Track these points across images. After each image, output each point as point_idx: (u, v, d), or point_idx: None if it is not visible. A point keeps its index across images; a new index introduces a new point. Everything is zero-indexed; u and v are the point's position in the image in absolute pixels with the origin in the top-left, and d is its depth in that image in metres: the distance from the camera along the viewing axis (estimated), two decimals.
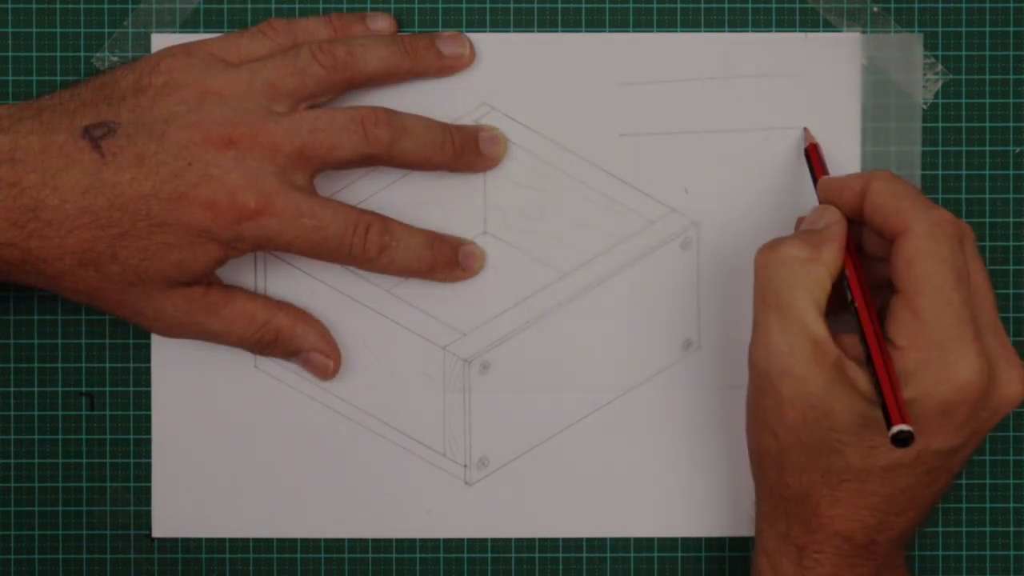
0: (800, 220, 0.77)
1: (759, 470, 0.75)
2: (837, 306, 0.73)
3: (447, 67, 0.80)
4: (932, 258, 0.70)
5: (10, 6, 0.81)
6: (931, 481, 0.72)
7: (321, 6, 0.81)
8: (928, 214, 0.71)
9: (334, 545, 0.82)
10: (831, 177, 0.76)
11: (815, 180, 0.78)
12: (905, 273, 0.70)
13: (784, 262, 0.72)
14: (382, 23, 0.80)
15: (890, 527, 0.72)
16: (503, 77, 0.81)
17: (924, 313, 0.69)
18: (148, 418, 0.81)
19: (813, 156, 0.79)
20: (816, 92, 0.81)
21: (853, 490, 0.71)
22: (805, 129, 0.80)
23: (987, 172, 0.82)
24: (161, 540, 0.82)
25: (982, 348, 0.70)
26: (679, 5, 0.81)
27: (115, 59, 0.81)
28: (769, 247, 0.73)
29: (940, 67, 0.82)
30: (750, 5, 0.81)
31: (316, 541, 0.82)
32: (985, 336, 0.71)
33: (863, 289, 0.72)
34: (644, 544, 0.82)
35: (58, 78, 0.81)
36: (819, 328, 0.71)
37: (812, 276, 0.71)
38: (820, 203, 0.76)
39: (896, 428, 0.66)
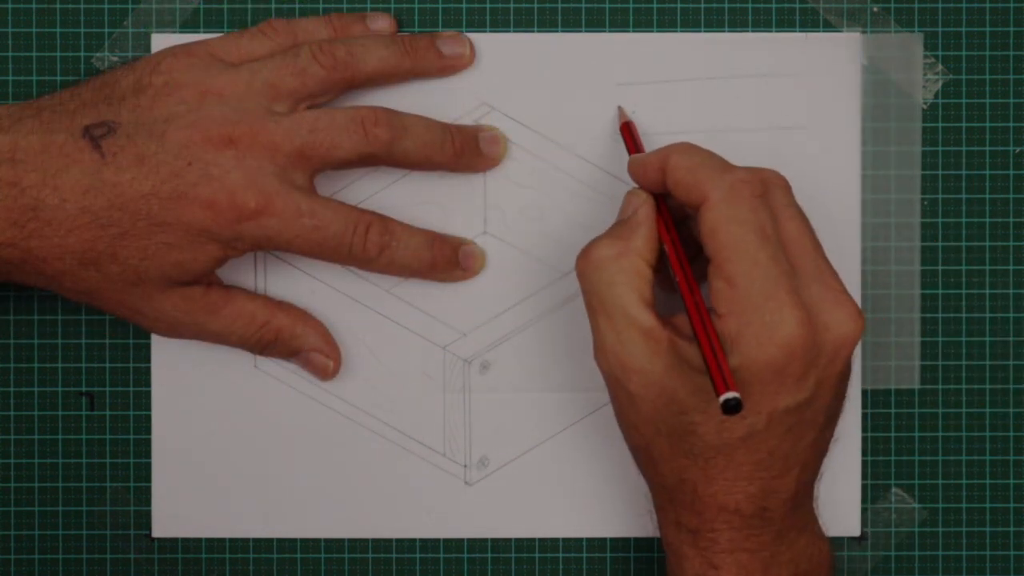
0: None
1: (640, 467, 0.75)
2: (669, 286, 0.74)
3: (447, 67, 0.80)
4: (732, 222, 0.70)
5: (10, 6, 0.81)
6: (797, 438, 0.72)
7: (321, 6, 0.81)
8: (723, 178, 0.71)
9: (334, 545, 0.82)
10: (635, 156, 0.76)
11: (629, 149, 0.78)
12: (711, 242, 0.70)
13: (598, 264, 0.72)
14: (382, 23, 0.80)
15: (775, 491, 0.72)
16: (503, 77, 0.81)
17: (735, 278, 0.69)
18: (148, 418, 0.81)
19: (626, 135, 0.79)
20: (816, 92, 0.81)
21: (721, 465, 0.71)
22: (619, 107, 0.81)
23: (987, 172, 0.82)
24: (161, 540, 0.82)
25: (799, 299, 0.69)
26: (679, 5, 0.81)
27: (115, 59, 0.81)
28: (583, 253, 0.73)
29: (940, 67, 0.82)
30: (750, 5, 0.81)
31: (316, 541, 0.82)
32: (808, 284, 0.70)
33: (682, 263, 0.72)
34: (644, 544, 0.82)
35: (58, 78, 0.81)
36: (646, 318, 0.71)
37: (627, 269, 0.72)
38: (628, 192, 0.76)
39: (723, 397, 0.66)
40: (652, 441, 0.73)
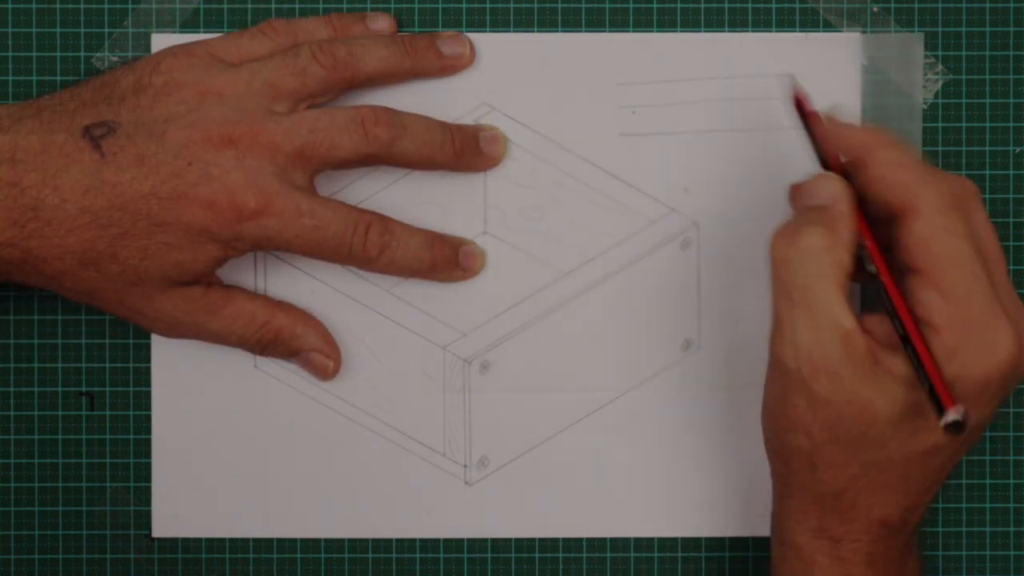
0: (794, 189, 0.73)
1: (786, 468, 0.72)
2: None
3: (447, 67, 0.80)
4: (950, 235, 0.68)
5: (10, 6, 0.81)
6: (958, 456, 0.72)
7: (321, 6, 0.81)
8: (937, 188, 0.69)
9: (334, 545, 0.82)
10: (838, 125, 0.72)
11: (810, 133, 0.74)
12: (924, 253, 0.68)
13: (808, 253, 0.69)
14: (382, 23, 0.80)
15: (920, 505, 0.72)
16: (503, 77, 0.81)
17: (953, 292, 0.68)
18: (148, 418, 0.81)
19: (803, 107, 0.74)
20: (816, 92, 0.80)
21: (892, 478, 0.70)
22: (790, 76, 0.76)
23: (987, 172, 0.82)
24: (161, 540, 0.82)
25: (1009, 317, 0.68)
26: (679, 5, 0.81)
27: (115, 59, 0.81)
28: (786, 238, 0.69)
29: (940, 67, 0.82)
30: (750, 5, 0.81)
31: (316, 541, 0.82)
32: (1004, 301, 0.69)
33: (888, 269, 0.70)
34: (644, 544, 0.82)
35: (58, 78, 0.81)
36: (848, 320, 0.68)
37: (836, 263, 0.69)
38: (820, 160, 0.73)
39: (950, 415, 0.65)
40: (822, 447, 0.70)
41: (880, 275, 0.70)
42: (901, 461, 0.70)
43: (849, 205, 0.70)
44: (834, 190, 0.70)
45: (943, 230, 0.68)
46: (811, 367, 0.69)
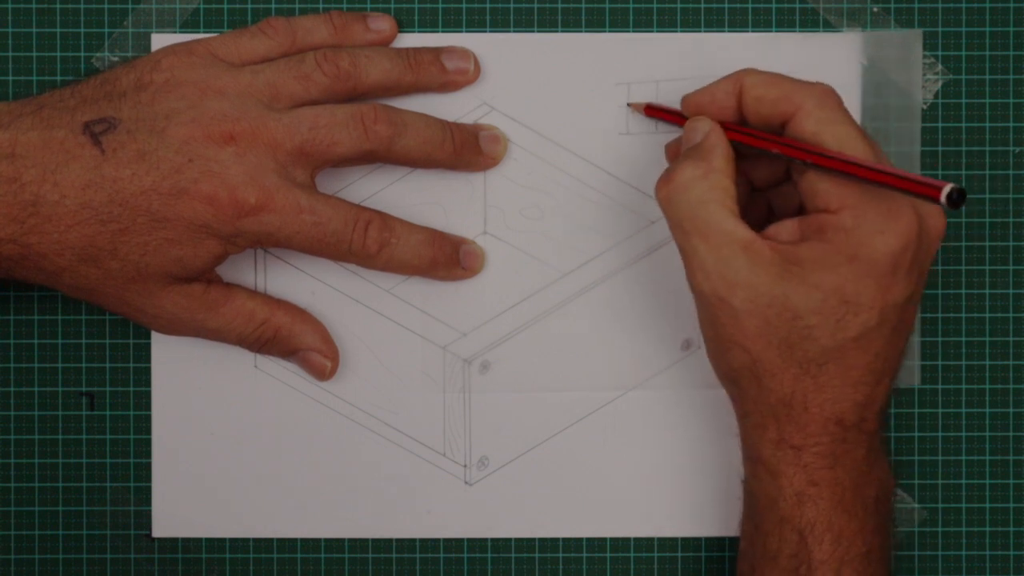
0: (669, 147, 0.79)
1: (736, 388, 0.75)
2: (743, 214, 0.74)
3: (451, 83, 0.80)
4: (837, 123, 0.72)
5: (10, 6, 0.81)
6: (897, 339, 0.73)
7: (321, 6, 0.81)
8: (811, 90, 0.73)
9: (334, 545, 0.82)
10: (697, 91, 0.76)
11: (672, 120, 0.79)
12: (816, 143, 0.72)
13: (684, 185, 0.72)
14: (382, 23, 0.80)
15: (874, 399, 0.73)
16: (503, 77, 0.81)
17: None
18: (148, 418, 0.81)
19: (657, 112, 0.80)
20: None
21: (833, 371, 0.72)
22: (628, 105, 0.81)
23: (987, 172, 0.82)
24: (161, 540, 0.82)
25: None
26: (679, 5, 0.81)
27: (115, 59, 0.81)
28: (664, 179, 0.73)
29: (940, 67, 0.82)
30: (750, 5, 0.81)
31: (316, 541, 0.82)
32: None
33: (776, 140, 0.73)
34: (644, 544, 0.82)
35: (58, 78, 0.81)
36: (743, 231, 0.71)
37: (716, 187, 0.72)
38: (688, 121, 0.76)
39: (946, 189, 0.66)
40: (761, 356, 0.72)
41: (773, 147, 0.73)
42: (836, 352, 0.72)
43: (718, 136, 0.74)
44: (701, 127, 0.75)
45: (829, 120, 0.72)
46: (725, 283, 0.71)
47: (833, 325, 0.71)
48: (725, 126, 0.75)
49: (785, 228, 0.73)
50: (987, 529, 0.82)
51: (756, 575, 0.75)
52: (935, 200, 0.66)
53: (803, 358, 0.72)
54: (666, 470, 0.82)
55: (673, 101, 0.81)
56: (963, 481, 0.82)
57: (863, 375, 0.72)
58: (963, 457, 0.82)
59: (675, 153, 0.79)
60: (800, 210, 0.75)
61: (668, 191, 0.73)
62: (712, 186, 0.72)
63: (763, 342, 0.72)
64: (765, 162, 0.77)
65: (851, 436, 0.73)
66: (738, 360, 0.73)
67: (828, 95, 0.73)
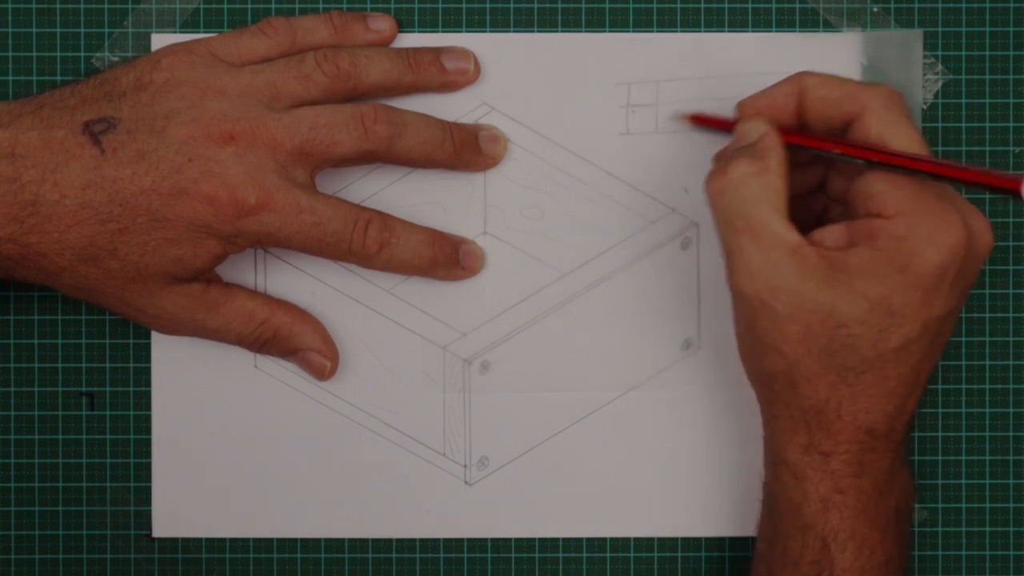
0: (718, 156, 0.77)
1: (768, 391, 0.74)
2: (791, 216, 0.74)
3: (451, 83, 0.80)
4: (902, 125, 0.72)
5: (10, 6, 0.81)
6: (933, 352, 0.73)
7: (321, 6, 0.81)
8: (876, 91, 0.72)
9: (334, 545, 0.82)
10: (756, 94, 0.76)
11: (721, 126, 0.78)
12: (878, 146, 0.71)
13: (739, 182, 0.71)
14: (382, 23, 0.80)
15: (904, 411, 0.73)
16: (503, 77, 0.81)
17: (905, 180, 0.70)
18: (148, 418, 0.81)
19: (705, 121, 0.79)
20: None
21: (870, 380, 0.71)
22: (680, 115, 0.81)
23: None
24: (161, 540, 0.82)
25: (955, 202, 0.71)
26: (679, 5, 0.81)
27: (115, 59, 0.81)
28: (717, 174, 0.72)
29: (940, 67, 0.82)
30: (750, 5, 0.81)
31: (316, 541, 0.82)
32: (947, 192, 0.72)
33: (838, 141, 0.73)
34: (644, 544, 0.82)
35: (58, 78, 0.81)
36: (792, 235, 0.71)
37: (769, 187, 0.71)
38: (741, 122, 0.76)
39: None
40: (799, 361, 0.72)
41: (838, 144, 0.72)
42: (875, 362, 0.71)
43: (774, 137, 0.73)
44: (759, 126, 0.74)
45: (895, 123, 0.72)
46: (769, 287, 0.71)
47: (875, 335, 0.71)
48: (780, 129, 0.74)
49: (832, 233, 0.72)
50: (987, 529, 0.82)
51: None
52: (1014, 193, 0.67)
53: (841, 366, 0.71)
54: (666, 470, 0.82)
55: (674, 101, 0.81)
56: (963, 481, 0.82)
57: (897, 386, 0.72)
58: (963, 457, 0.82)
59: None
60: (821, 220, 0.75)
61: (720, 186, 0.72)
62: (766, 186, 0.71)
63: (803, 348, 0.71)
64: (800, 170, 0.77)
65: (879, 445, 0.73)
66: (774, 364, 0.72)
67: (894, 97, 0.72)
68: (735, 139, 0.75)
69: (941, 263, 0.70)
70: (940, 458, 0.82)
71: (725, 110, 0.81)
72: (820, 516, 0.73)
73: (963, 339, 0.82)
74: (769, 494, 0.76)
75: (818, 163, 0.77)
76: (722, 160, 0.74)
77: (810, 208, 0.78)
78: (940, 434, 0.82)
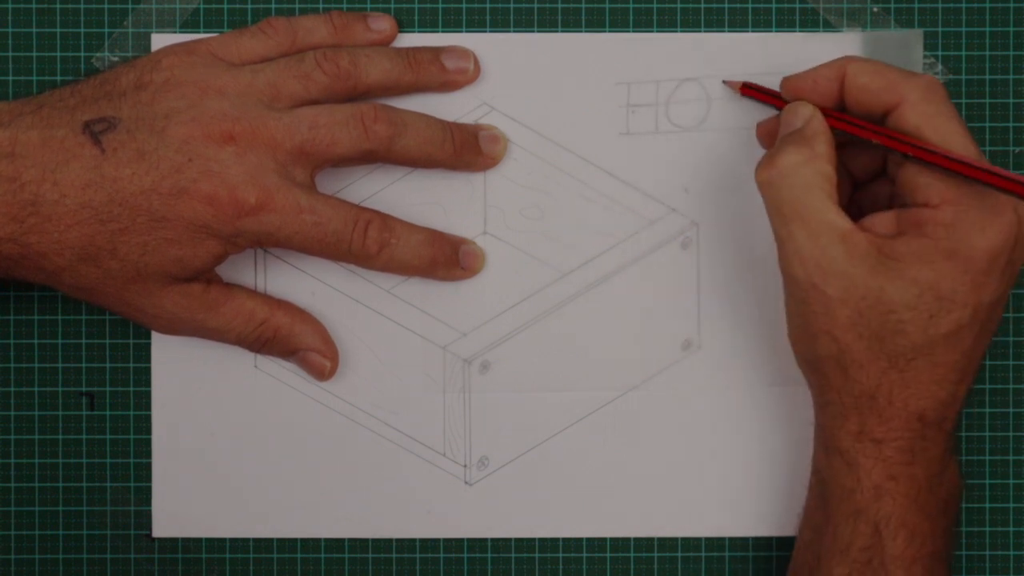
0: (761, 126, 0.79)
1: (820, 377, 0.74)
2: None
3: (450, 82, 0.80)
4: (942, 117, 0.72)
5: (10, 6, 0.81)
6: (983, 339, 0.73)
7: (321, 6, 0.81)
8: (917, 82, 0.73)
9: (334, 545, 0.82)
10: (798, 74, 0.76)
11: (769, 100, 0.78)
12: (920, 137, 0.72)
13: (788, 170, 0.72)
14: (382, 23, 0.80)
15: (955, 399, 0.73)
16: (503, 77, 0.81)
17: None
18: (148, 418, 0.81)
19: (754, 93, 0.79)
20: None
21: (920, 366, 0.72)
22: (724, 82, 0.81)
23: None
24: (161, 540, 0.82)
25: None
26: (679, 5, 0.81)
27: (115, 59, 0.81)
28: (766, 163, 0.73)
29: (940, 67, 0.82)
30: (750, 5, 0.81)
31: (316, 541, 0.82)
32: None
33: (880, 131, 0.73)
34: (643, 544, 0.82)
35: (58, 78, 0.81)
36: (843, 221, 0.71)
37: (817, 173, 0.72)
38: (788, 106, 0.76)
39: None
40: (850, 346, 0.72)
41: (877, 134, 0.73)
42: (926, 347, 0.72)
43: (820, 122, 0.74)
44: (803, 112, 0.74)
45: (935, 114, 0.72)
46: (820, 272, 0.71)
47: (925, 321, 0.71)
48: (824, 112, 0.74)
49: (882, 220, 0.73)
50: (987, 529, 0.82)
51: (822, 566, 0.75)
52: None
53: (892, 351, 0.72)
54: (666, 470, 0.82)
55: (674, 100, 0.81)
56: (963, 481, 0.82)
57: (948, 372, 0.72)
58: (963, 457, 0.82)
59: (766, 132, 0.79)
60: (890, 204, 0.76)
61: (770, 175, 0.73)
62: (815, 172, 0.72)
63: (853, 333, 0.72)
64: (866, 153, 0.77)
65: (930, 433, 0.73)
66: (825, 349, 0.73)
67: (934, 88, 0.73)
68: (781, 124, 0.75)
69: (991, 248, 0.70)
70: None
71: (726, 109, 0.81)
72: (872, 503, 0.73)
73: None
74: (820, 481, 0.76)
75: (874, 148, 0.77)
76: (770, 149, 0.75)
77: (875, 194, 0.78)
78: None
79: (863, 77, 0.74)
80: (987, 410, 0.82)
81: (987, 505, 0.82)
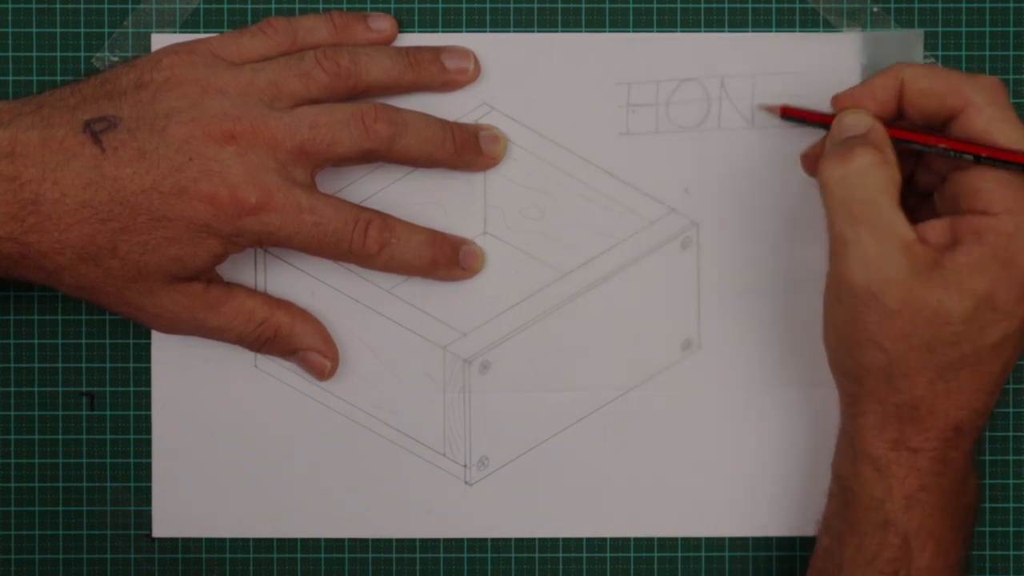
0: (810, 155, 0.77)
1: (859, 386, 0.73)
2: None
3: (451, 82, 0.80)
4: (1007, 122, 0.71)
5: (10, 6, 0.81)
6: (1019, 349, 0.72)
7: (321, 6, 0.81)
8: (981, 83, 0.72)
9: (334, 545, 0.82)
10: (847, 90, 0.74)
11: (814, 121, 0.77)
12: (985, 142, 0.71)
13: (862, 171, 0.71)
14: (383, 23, 0.80)
15: (987, 409, 0.73)
16: (503, 77, 0.81)
17: (1012, 176, 0.70)
18: (148, 418, 0.81)
19: (795, 113, 0.78)
20: (816, 92, 0.81)
21: (966, 377, 0.71)
22: (760, 107, 0.80)
23: None
24: (161, 540, 0.82)
25: None
26: (679, 5, 0.81)
27: (115, 59, 0.81)
28: (838, 159, 0.71)
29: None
30: (750, 5, 0.81)
31: (316, 541, 0.82)
32: None
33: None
34: (644, 544, 0.82)
35: (58, 78, 0.81)
36: (907, 230, 0.70)
37: (891, 179, 0.71)
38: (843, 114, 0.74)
39: None
40: (901, 357, 0.71)
41: (944, 139, 0.72)
42: (973, 358, 0.71)
43: (882, 130, 0.72)
44: (866, 119, 0.73)
45: (1000, 118, 0.71)
46: (881, 280, 0.70)
47: (977, 331, 0.70)
48: (883, 123, 0.73)
49: (934, 229, 0.72)
50: (987, 529, 0.82)
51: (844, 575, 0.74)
52: None
53: (942, 363, 0.71)
54: (666, 470, 0.82)
55: (674, 100, 0.81)
56: None
57: (988, 383, 0.72)
58: None
59: (814, 159, 0.76)
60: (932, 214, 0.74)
61: (845, 172, 0.71)
62: (889, 177, 0.71)
63: (905, 344, 0.71)
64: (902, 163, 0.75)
65: (961, 443, 0.73)
66: (870, 358, 0.72)
67: (999, 90, 0.72)
68: (834, 132, 0.74)
69: None
70: None
71: (726, 109, 0.81)
72: (903, 513, 0.73)
73: None
74: (845, 488, 0.75)
75: (906, 157, 0.75)
76: (836, 147, 0.72)
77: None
78: None
79: (923, 81, 0.72)
80: None
81: (987, 505, 0.82)
